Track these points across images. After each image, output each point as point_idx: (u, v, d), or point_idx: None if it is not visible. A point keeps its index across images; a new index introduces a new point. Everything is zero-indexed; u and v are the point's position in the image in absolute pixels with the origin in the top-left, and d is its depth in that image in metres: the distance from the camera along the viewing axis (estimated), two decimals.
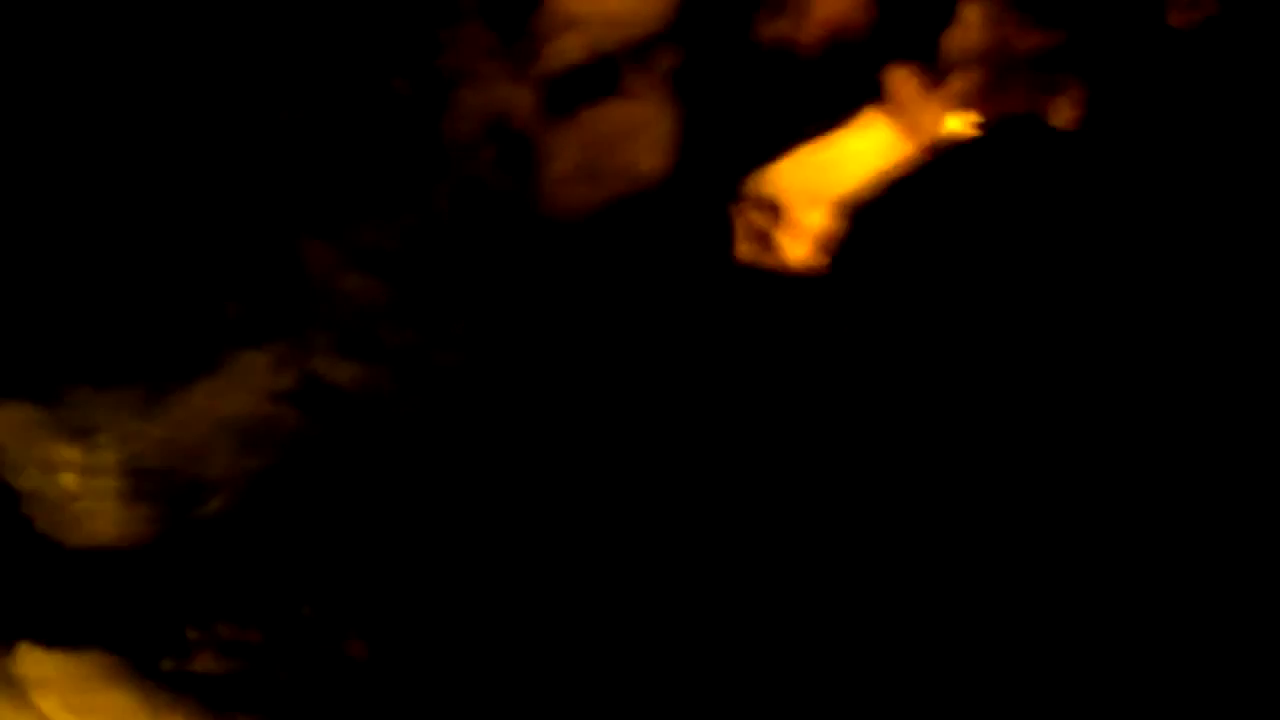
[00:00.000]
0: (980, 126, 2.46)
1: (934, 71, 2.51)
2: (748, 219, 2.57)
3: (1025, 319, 2.36)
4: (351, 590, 2.35)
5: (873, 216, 2.49)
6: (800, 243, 2.54)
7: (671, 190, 2.61)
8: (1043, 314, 2.35)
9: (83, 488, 2.28)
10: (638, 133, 2.62)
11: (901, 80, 2.53)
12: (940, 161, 2.47)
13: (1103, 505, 2.23)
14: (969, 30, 2.49)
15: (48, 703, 2.13)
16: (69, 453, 2.28)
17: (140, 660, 2.22)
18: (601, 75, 2.61)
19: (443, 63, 2.46)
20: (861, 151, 2.53)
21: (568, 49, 2.56)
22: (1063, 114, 2.43)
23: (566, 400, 2.51)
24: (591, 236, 2.59)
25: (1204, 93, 2.37)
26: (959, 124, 2.48)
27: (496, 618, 2.36)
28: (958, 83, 2.48)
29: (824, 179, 2.54)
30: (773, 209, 2.55)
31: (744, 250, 2.56)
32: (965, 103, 2.47)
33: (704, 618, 2.31)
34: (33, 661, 2.14)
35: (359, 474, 2.42)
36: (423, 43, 2.46)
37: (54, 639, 2.20)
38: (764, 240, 2.56)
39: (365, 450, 2.43)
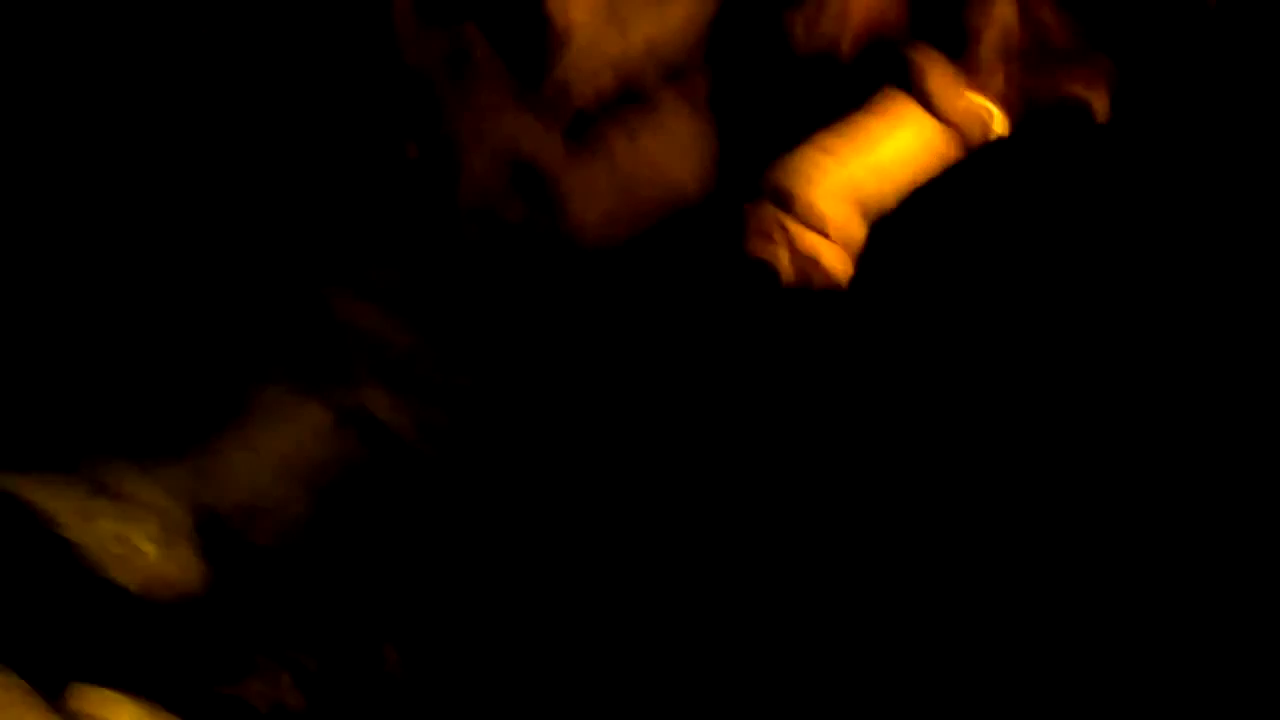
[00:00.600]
0: (1015, 118, 2.42)
1: (968, 60, 2.47)
2: (762, 215, 2.48)
3: (1057, 316, 2.35)
4: (389, 605, 2.40)
5: (904, 221, 2.44)
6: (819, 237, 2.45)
7: (712, 205, 2.59)
8: (1071, 311, 2.35)
9: (127, 541, 2.31)
10: (675, 157, 2.61)
11: (936, 70, 2.48)
12: (973, 161, 2.43)
13: (1122, 507, 2.23)
14: (1001, 18, 2.46)
15: None
16: (111, 509, 2.35)
17: (190, 700, 2.27)
18: (633, 104, 2.60)
19: (459, 113, 2.50)
20: (897, 144, 2.46)
21: (593, 86, 2.56)
22: (1096, 103, 2.40)
23: (603, 424, 2.52)
24: (630, 263, 2.58)
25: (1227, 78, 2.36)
26: (994, 114, 2.43)
27: (520, 629, 2.39)
28: (990, 74, 2.45)
29: (859, 176, 2.47)
30: (790, 201, 2.46)
31: (758, 247, 2.47)
32: (999, 92, 2.45)
33: (734, 634, 2.32)
34: (91, 700, 2.18)
35: (396, 502, 2.47)
36: (437, 96, 2.50)
37: (110, 680, 2.25)
38: (780, 235, 2.46)
39: (402, 480, 2.48)
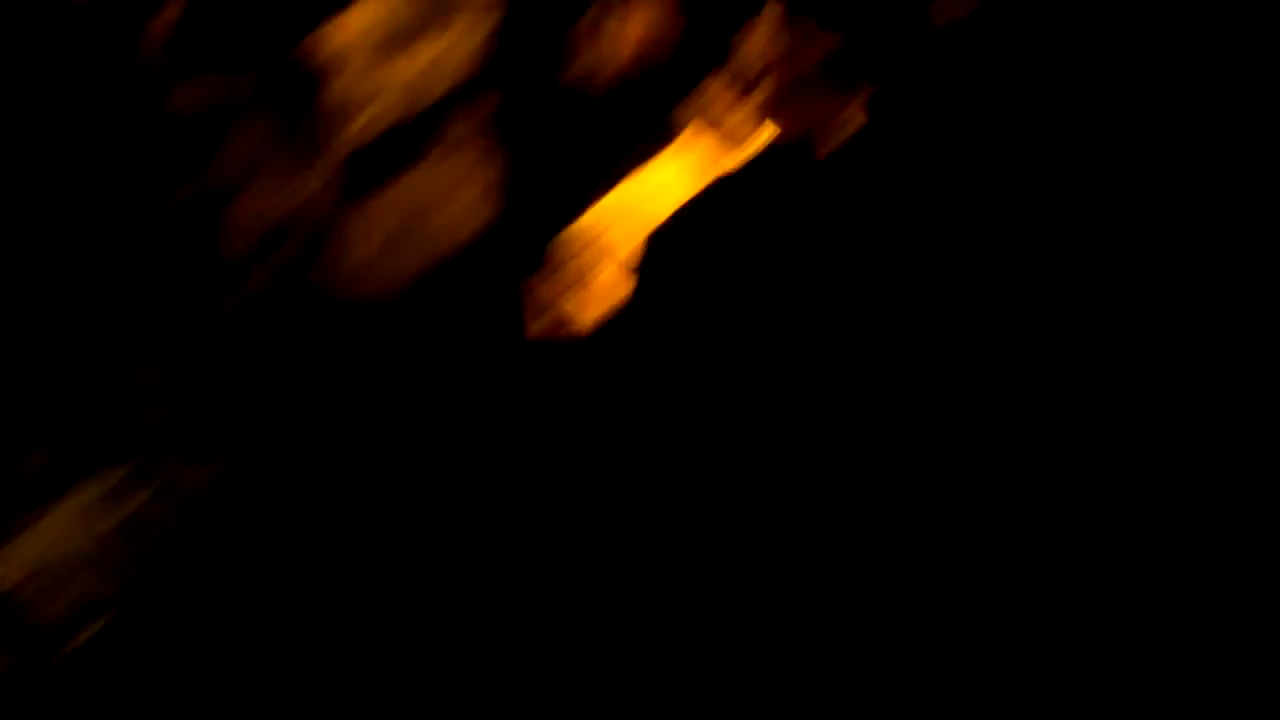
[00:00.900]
0: (782, 137, 2.45)
1: (739, 77, 2.48)
2: (544, 288, 2.51)
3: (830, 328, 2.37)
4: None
5: (671, 243, 2.45)
6: (596, 303, 2.48)
7: (494, 248, 2.52)
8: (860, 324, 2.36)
9: None
10: (457, 190, 2.49)
11: (709, 91, 2.48)
12: (735, 179, 2.46)
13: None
14: (763, 38, 2.48)
15: None
16: None
17: None
18: (410, 140, 2.48)
19: (219, 164, 2.36)
20: (668, 183, 2.49)
21: (364, 124, 2.46)
22: (854, 120, 2.43)
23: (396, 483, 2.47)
24: (410, 308, 2.51)
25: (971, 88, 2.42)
26: (765, 135, 2.45)
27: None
28: (761, 92, 2.45)
29: (630, 222, 2.48)
30: (574, 269, 2.49)
31: (539, 324, 2.50)
32: (765, 110, 2.45)
33: None
34: None
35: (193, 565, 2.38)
36: (197, 145, 2.35)
37: None
38: (560, 308, 2.49)
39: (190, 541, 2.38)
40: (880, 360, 2.39)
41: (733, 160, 2.47)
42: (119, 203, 2.18)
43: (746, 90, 2.48)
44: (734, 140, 2.48)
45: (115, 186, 2.17)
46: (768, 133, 2.46)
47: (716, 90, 2.49)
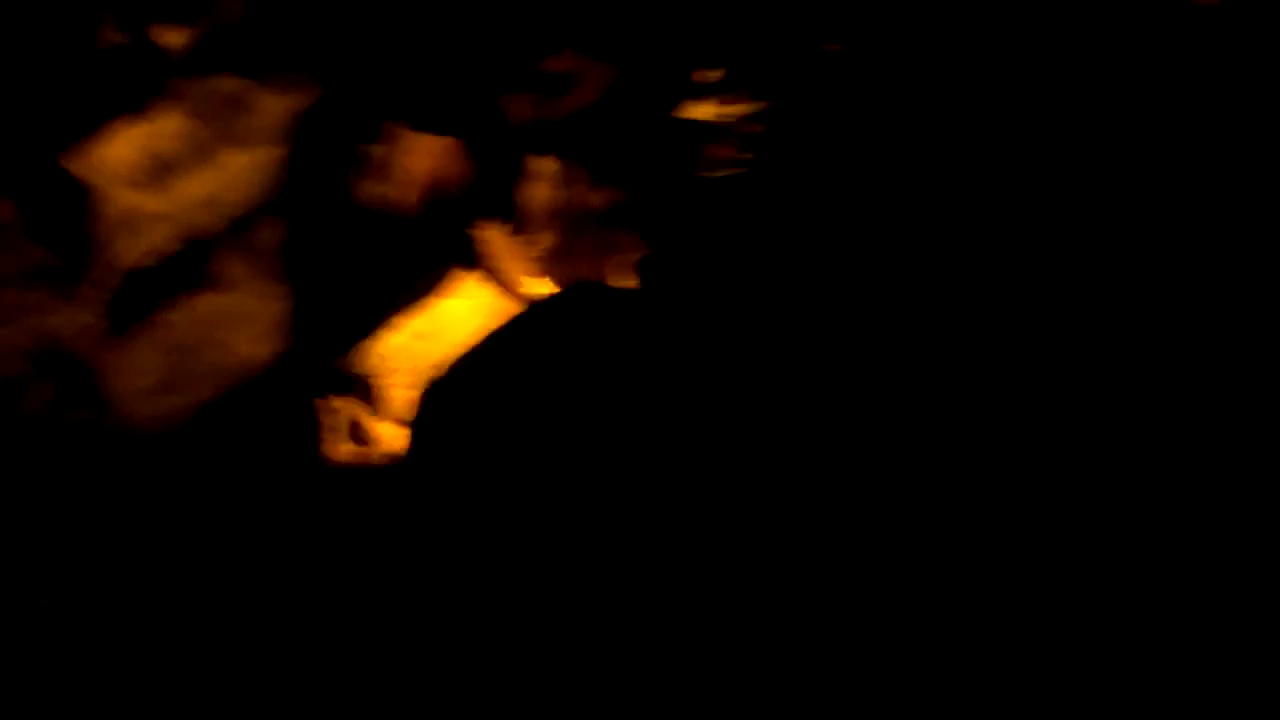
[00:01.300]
0: (557, 286, 2.41)
1: (520, 223, 2.43)
2: (335, 411, 2.42)
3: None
4: None
5: (453, 385, 2.39)
6: (394, 425, 2.40)
7: (279, 376, 2.44)
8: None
9: None
10: (236, 323, 2.42)
11: (492, 238, 2.43)
12: (516, 323, 2.41)
13: None
14: (542, 187, 2.43)
15: None
16: None
17: None
18: (185, 269, 2.42)
19: None
20: (456, 317, 2.42)
21: (131, 251, 2.35)
22: (624, 275, 2.40)
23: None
24: (187, 444, 2.38)
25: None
26: (540, 286, 2.42)
27: None
28: (539, 240, 2.41)
29: (419, 350, 2.41)
30: (365, 391, 2.41)
31: (334, 448, 2.41)
32: (545, 261, 2.41)
33: None
34: None
35: None
36: None
37: None
38: (356, 431, 2.41)
39: None
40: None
41: (516, 305, 2.44)
42: None
43: (525, 236, 2.46)
44: (513, 284, 2.45)
45: None
46: (546, 288, 2.44)
47: (495, 235, 2.46)
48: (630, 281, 2.40)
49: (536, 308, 2.42)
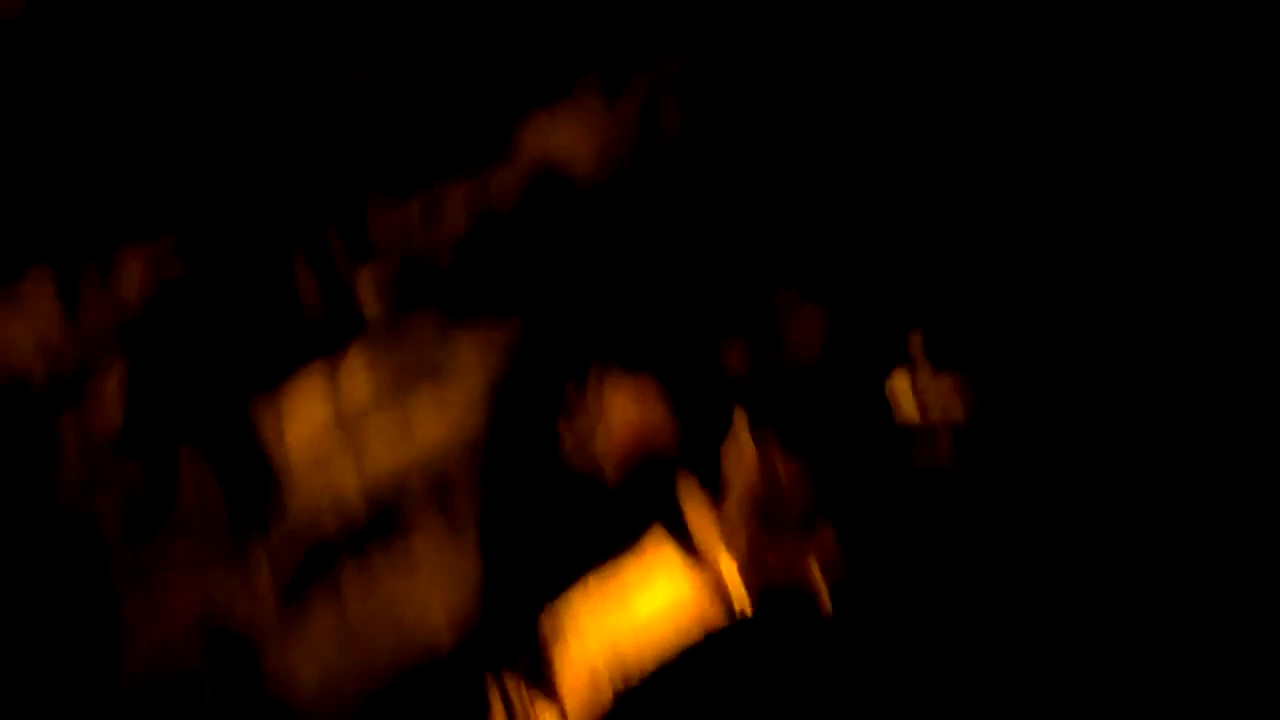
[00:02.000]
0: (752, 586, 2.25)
1: (721, 510, 2.27)
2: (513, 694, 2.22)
3: None
4: None
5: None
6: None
7: (464, 657, 2.25)
8: None
9: None
10: (424, 594, 2.25)
11: (700, 512, 2.24)
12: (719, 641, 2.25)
13: None
14: (749, 462, 2.29)
15: None
16: None
17: None
18: (381, 534, 2.27)
19: (138, 569, 2.11)
20: (657, 600, 2.22)
21: (322, 526, 2.21)
22: (819, 574, 2.25)
23: None
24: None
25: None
26: (735, 578, 2.25)
27: None
28: (735, 511, 2.25)
29: (615, 638, 2.21)
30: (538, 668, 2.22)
31: None
32: (742, 551, 2.24)
33: None
34: None
35: None
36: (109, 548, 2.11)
37: None
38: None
39: None
40: None
41: (711, 604, 2.27)
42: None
43: (717, 498, 2.30)
44: (694, 550, 2.28)
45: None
46: (732, 565, 2.27)
47: (706, 517, 2.29)
48: (824, 592, 2.19)
49: (739, 626, 2.24)
